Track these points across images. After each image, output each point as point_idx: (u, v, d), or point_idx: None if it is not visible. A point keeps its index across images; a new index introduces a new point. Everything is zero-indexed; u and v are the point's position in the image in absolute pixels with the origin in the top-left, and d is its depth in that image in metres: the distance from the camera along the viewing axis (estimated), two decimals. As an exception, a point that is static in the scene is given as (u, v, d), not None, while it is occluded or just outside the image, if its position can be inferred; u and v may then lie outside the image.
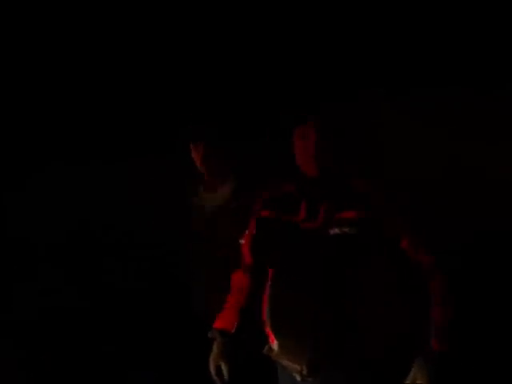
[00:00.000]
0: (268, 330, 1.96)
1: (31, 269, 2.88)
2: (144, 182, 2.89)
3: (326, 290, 1.85)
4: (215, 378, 2.01)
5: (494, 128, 2.54)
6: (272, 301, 1.96)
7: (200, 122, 2.61)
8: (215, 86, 2.87)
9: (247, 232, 2.11)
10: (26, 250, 2.90)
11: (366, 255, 1.86)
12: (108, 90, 2.96)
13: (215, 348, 2.03)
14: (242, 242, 2.14)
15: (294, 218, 1.93)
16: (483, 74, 2.56)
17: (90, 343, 2.88)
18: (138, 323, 2.90)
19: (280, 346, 1.92)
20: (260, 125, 2.79)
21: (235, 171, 2.53)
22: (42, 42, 2.86)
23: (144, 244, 2.89)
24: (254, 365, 2.19)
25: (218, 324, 2.06)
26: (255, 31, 2.80)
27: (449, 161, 2.63)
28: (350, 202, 1.89)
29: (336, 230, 1.84)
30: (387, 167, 2.06)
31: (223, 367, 2.00)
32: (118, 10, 2.83)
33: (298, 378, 1.86)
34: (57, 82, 2.91)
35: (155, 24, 2.87)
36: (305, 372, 1.83)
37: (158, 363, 2.90)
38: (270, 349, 1.97)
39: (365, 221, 1.85)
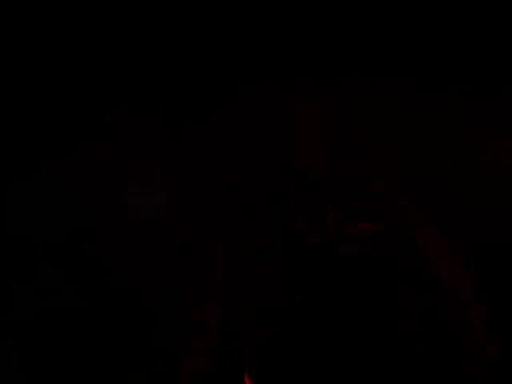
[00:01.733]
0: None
1: (31, 269, 2.86)
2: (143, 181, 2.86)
3: (332, 331, 1.41)
4: None
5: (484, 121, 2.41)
6: (259, 336, 1.50)
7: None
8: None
9: (220, 244, 1.63)
10: (26, 250, 2.87)
11: (392, 283, 1.42)
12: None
13: None
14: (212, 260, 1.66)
15: (293, 229, 1.51)
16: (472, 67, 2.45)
17: (90, 343, 2.86)
18: (139, 323, 2.87)
19: None
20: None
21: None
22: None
23: (143, 243, 2.86)
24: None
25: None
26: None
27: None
28: (368, 210, 1.51)
29: (351, 248, 1.43)
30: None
31: None
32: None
33: None
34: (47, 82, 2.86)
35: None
36: None
37: (159, 363, 2.87)
38: None
39: (389, 235, 1.46)
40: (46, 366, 2.80)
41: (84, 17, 2.83)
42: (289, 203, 1.60)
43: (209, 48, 2.81)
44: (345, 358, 1.42)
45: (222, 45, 2.76)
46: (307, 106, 1.56)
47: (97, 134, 2.95)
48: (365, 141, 1.63)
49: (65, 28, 2.83)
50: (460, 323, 1.43)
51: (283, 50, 2.54)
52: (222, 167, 2.43)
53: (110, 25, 2.82)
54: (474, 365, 1.38)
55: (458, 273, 1.47)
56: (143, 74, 2.91)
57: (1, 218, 2.88)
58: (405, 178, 1.59)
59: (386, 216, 1.50)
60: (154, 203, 2.73)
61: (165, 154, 2.86)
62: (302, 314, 1.45)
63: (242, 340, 1.55)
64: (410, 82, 2.45)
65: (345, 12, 2.51)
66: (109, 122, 2.97)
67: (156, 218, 2.70)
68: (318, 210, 1.55)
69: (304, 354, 1.44)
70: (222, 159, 2.44)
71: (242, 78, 2.55)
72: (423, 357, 1.44)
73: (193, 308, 1.72)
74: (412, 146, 2.37)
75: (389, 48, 2.53)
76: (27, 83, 2.86)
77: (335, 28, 2.51)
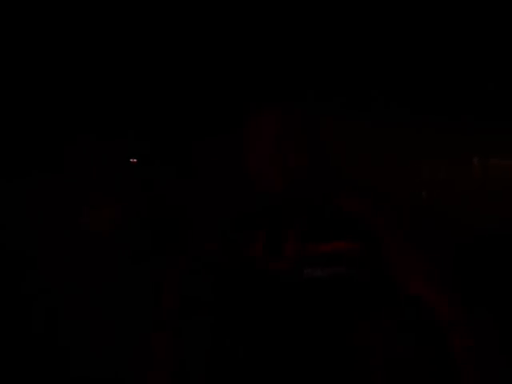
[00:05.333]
0: None
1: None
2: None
3: (302, 370, 1.21)
4: None
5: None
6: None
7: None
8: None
9: (172, 273, 1.42)
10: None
11: (364, 311, 1.24)
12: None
13: None
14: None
15: (247, 255, 1.29)
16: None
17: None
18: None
19: None
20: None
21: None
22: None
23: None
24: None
25: None
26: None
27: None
28: (333, 228, 1.27)
29: (314, 271, 1.24)
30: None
31: None
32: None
33: None
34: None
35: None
36: None
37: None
38: None
39: (360, 256, 1.24)
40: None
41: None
42: (246, 226, 1.37)
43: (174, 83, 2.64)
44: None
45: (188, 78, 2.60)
46: (266, 123, 1.33)
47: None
48: (334, 158, 1.44)
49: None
50: (446, 353, 1.23)
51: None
52: (180, 191, 2.30)
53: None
54: None
55: (442, 297, 1.26)
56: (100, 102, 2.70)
57: None
58: (377, 194, 1.39)
59: (357, 235, 1.28)
60: (105, 225, 2.47)
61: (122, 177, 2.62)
62: (264, 346, 1.27)
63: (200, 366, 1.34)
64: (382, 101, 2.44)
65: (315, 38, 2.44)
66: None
67: (105, 239, 2.43)
68: (277, 230, 1.33)
69: None
70: (181, 184, 2.32)
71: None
72: None
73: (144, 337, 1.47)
74: (384, 164, 2.35)
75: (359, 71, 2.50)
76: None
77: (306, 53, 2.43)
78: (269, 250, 1.29)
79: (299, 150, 1.32)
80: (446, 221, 2.32)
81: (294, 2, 2.37)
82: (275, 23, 2.35)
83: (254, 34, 2.35)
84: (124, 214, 2.46)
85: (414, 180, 2.49)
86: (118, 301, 2.37)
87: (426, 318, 1.26)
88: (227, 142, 1.54)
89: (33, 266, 2.45)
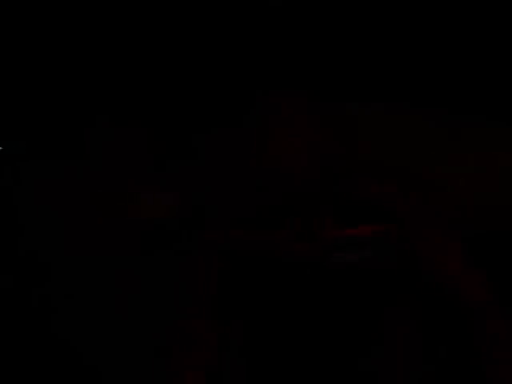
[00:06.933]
0: None
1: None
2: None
3: (329, 357, 1.19)
4: None
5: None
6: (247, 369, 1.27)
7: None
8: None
9: (203, 259, 1.36)
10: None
11: (391, 297, 1.22)
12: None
13: None
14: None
15: (278, 239, 1.27)
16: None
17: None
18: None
19: None
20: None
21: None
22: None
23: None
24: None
25: None
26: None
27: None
28: (361, 213, 1.25)
29: (344, 256, 1.23)
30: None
31: None
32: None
33: None
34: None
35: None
36: None
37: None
38: None
39: (390, 240, 1.22)
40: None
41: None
42: (276, 212, 1.33)
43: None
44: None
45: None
46: (296, 110, 1.34)
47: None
48: (362, 144, 1.42)
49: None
50: (479, 339, 1.18)
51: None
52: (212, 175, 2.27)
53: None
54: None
55: (473, 280, 1.21)
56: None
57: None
58: (404, 180, 1.35)
59: (387, 219, 1.26)
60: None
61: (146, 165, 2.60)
62: (294, 333, 1.26)
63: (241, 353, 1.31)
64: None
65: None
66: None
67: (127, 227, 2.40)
68: (308, 215, 1.30)
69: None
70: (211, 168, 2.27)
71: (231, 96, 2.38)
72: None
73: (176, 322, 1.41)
74: (411, 150, 2.32)
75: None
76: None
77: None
78: (299, 236, 1.27)
79: (331, 135, 1.33)
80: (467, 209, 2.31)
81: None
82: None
83: (270, 16, 2.31)
84: (150, 202, 2.45)
85: (441, 168, 2.47)
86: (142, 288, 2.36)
87: (452, 304, 1.22)
88: (251, 129, 1.50)
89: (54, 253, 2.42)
